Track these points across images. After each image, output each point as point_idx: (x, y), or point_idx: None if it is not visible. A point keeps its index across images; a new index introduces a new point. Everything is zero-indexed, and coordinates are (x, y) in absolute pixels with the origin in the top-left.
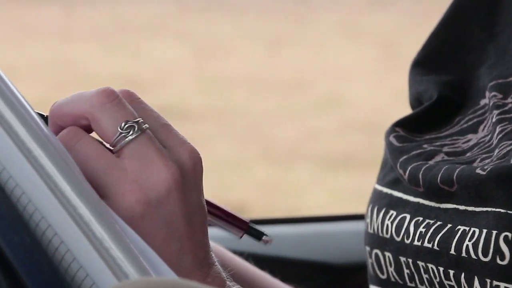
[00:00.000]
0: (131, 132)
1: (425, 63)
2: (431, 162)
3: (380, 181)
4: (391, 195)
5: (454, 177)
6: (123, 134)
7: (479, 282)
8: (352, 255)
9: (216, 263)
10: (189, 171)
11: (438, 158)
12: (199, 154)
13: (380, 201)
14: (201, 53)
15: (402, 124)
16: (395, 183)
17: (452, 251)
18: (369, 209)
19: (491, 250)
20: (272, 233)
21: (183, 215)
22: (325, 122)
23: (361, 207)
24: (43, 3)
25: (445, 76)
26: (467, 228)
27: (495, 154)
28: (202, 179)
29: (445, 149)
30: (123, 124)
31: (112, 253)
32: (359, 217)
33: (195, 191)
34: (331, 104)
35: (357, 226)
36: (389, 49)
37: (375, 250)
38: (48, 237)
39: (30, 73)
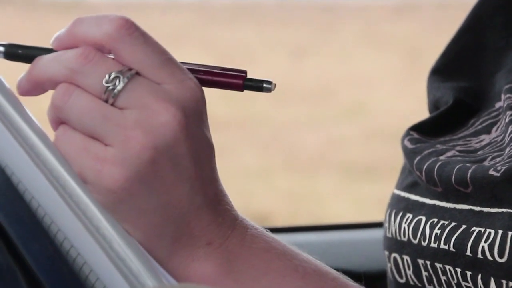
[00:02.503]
0: (117, 83)
1: (443, 70)
2: (442, 158)
3: (398, 185)
4: (408, 199)
5: (468, 178)
6: (110, 88)
7: (495, 283)
8: (374, 263)
9: (226, 198)
10: (191, 108)
11: (449, 154)
12: (200, 89)
13: (397, 205)
14: (225, 62)
15: (417, 128)
16: (412, 187)
17: (468, 252)
18: (387, 213)
19: (507, 251)
20: (294, 241)
21: (191, 155)
22: (349, 130)
23: (384, 216)
24: (68, 12)
25: (462, 82)
26: (482, 229)
27: (506, 152)
28: (206, 113)
29: (457, 148)
30: (107, 77)
31: (129, 264)
32: (381, 225)
33: (200, 127)
34: (355, 112)
35: (379, 234)
36: (413, 57)
37: (394, 254)
38: (66, 248)
39: None
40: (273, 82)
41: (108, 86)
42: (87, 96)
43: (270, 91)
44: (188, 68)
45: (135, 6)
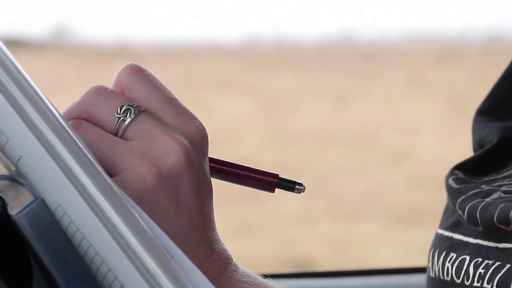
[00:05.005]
0: (128, 115)
1: (489, 111)
2: (488, 200)
3: (441, 225)
4: (451, 238)
5: (510, 216)
6: (121, 118)
7: None
8: None
9: (221, 241)
10: (197, 144)
11: (495, 196)
12: (205, 129)
13: (441, 245)
14: (269, 108)
15: (461, 167)
16: (456, 226)
17: None
18: (431, 253)
19: None
20: (338, 286)
21: (193, 188)
22: (393, 176)
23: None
24: (113, 60)
25: (509, 122)
26: None
27: None
28: (207, 154)
29: (503, 188)
30: (119, 110)
31: None
32: (424, 270)
33: (204, 164)
34: (399, 158)
35: (423, 279)
36: (457, 103)
37: None
38: None
39: None
40: (304, 187)
41: (120, 117)
42: (94, 129)
43: (299, 193)
44: (223, 162)
45: (179, 53)
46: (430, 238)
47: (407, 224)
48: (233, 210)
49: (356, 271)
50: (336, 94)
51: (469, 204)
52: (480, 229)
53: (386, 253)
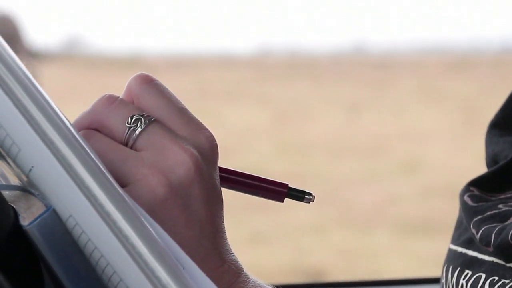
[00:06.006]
0: (139, 124)
1: (503, 124)
2: (506, 223)
3: (454, 240)
4: (465, 254)
5: None
6: (132, 128)
7: None
8: None
9: (232, 251)
10: (207, 154)
11: None
12: (215, 139)
13: (455, 261)
14: (281, 118)
15: (476, 183)
16: (470, 243)
17: None
18: (444, 269)
19: None
20: None
21: (203, 198)
22: (404, 186)
23: (440, 271)
24: (125, 70)
25: None
26: None
27: None
28: (218, 164)
29: None
30: (129, 119)
31: None
32: (437, 281)
33: (213, 175)
34: (411, 168)
35: None
36: (469, 113)
37: None
38: None
39: None
40: (314, 196)
41: (130, 127)
42: (105, 139)
43: (308, 202)
44: (233, 172)
45: (191, 63)
46: (442, 248)
47: (419, 234)
48: (244, 220)
49: (368, 281)
50: (348, 104)
51: (485, 226)
52: (490, 249)
53: (398, 264)
